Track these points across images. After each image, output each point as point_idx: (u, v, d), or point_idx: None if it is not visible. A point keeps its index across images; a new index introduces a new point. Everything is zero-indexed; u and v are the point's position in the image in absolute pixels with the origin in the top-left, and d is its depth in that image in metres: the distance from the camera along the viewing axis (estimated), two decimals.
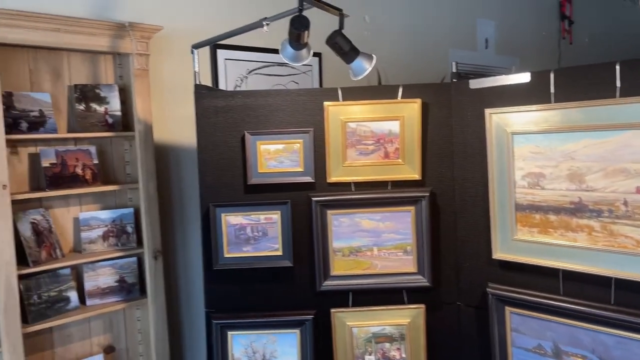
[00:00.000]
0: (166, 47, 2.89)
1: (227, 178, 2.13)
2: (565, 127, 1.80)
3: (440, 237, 2.13)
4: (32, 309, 2.37)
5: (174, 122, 2.97)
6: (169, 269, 2.93)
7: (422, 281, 2.10)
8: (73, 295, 2.54)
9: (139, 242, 2.72)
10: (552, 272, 1.86)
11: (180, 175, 3.02)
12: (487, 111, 1.97)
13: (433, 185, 2.12)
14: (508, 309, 1.94)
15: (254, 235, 2.13)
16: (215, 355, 2.13)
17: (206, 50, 3.04)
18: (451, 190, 2.12)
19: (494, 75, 2.00)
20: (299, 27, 1.85)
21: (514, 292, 1.92)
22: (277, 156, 2.10)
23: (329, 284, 2.11)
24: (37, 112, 2.45)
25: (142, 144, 2.63)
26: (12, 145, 2.41)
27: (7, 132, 2.25)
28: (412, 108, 2.09)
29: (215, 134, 2.12)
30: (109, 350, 2.72)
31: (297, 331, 2.12)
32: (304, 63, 2.12)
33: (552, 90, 1.83)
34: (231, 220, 2.11)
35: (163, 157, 2.93)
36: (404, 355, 2.13)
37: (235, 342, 2.13)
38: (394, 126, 2.10)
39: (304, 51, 2.01)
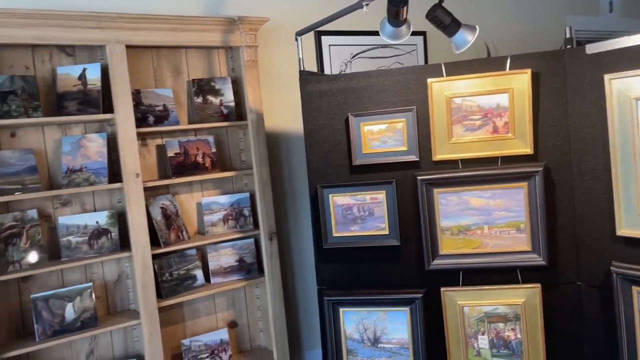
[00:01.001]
0: (273, 37, 3.01)
1: (333, 160, 2.19)
2: None
3: (557, 214, 2.02)
4: (165, 285, 2.63)
5: (283, 110, 3.10)
6: (283, 249, 3.08)
7: (538, 260, 2.01)
8: (199, 274, 2.77)
9: (255, 224, 2.89)
10: None
11: (290, 159, 3.15)
12: (607, 77, 1.82)
13: (547, 159, 2.00)
14: (635, 289, 1.79)
15: (361, 214, 2.17)
16: (329, 331, 2.21)
17: (311, 38, 3.13)
18: (568, 164, 2.00)
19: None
20: (397, 3, 1.84)
21: None
22: (380, 136, 2.12)
23: (438, 262, 2.10)
24: (161, 106, 2.69)
25: (254, 132, 2.78)
26: (141, 137, 2.68)
27: (137, 126, 2.50)
28: (522, 79, 1.99)
29: (320, 118, 2.18)
30: (232, 325, 2.93)
31: (406, 309, 2.13)
32: (404, 40, 2.10)
33: None
34: (338, 200, 2.17)
35: (274, 143, 3.07)
36: (519, 336, 2.06)
37: (346, 318, 2.20)
38: (503, 99, 2.02)
39: (403, 28, 1.99)
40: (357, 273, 2.21)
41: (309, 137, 2.20)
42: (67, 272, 2.50)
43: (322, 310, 2.23)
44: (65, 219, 2.45)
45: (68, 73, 2.45)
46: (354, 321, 2.20)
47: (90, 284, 2.48)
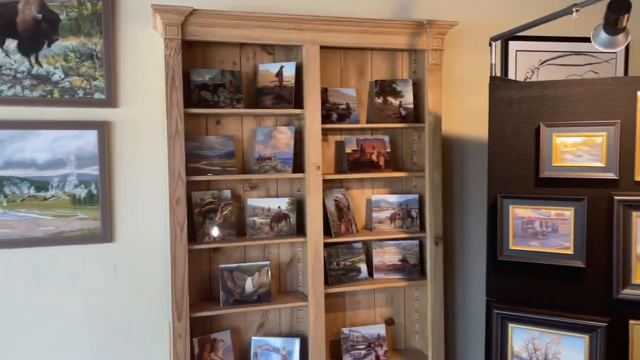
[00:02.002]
0: (458, 41, 2.99)
1: (517, 170, 2.12)
2: None
3: None
4: (332, 273, 2.77)
5: (461, 114, 3.06)
6: (447, 254, 3.05)
7: None
8: (363, 267, 2.87)
9: (422, 227, 2.91)
10: None
11: (463, 165, 3.10)
12: None
13: None
14: None
15: (543, 230, 2.07)
16: (494, 345, 2.15)
17: (497, 42, 3.04)
18: None
19: None
20: (617, 10, 1.71)
21: None
22: (574, 149, 2.00)
23: (628, 292, 1.92)
24: (344, 105, 2.83)
25: (430, 135, 2.80)
26: (324, 133, 2.84)
27: (322, 122, 2.66)
28: None
29: (507, 125, 2.12)
30: (389, 322, 2.99)
31: (585, 337, 1.99)
32: (619, 49, 1.95)
33: None
34: (519, 212, 2.10)
35: (448, 147, 3.05)
36: None
37: (515, 335, 2.12)
38: None
39: (620, 36, 1.85)
40: (531, 290, 2.12)
41: (494, 144, 2.15)
42: (249, 249, 2.77)
43: (489, 322, 2.18)
44: (253, 201, 2.71)
45: (268, 70, 2.70)
46: (524, 339, 2.11)
47: (268, 262, 2.71)
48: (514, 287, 2.15)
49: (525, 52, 3.06)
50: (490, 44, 2.16)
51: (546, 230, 2.06)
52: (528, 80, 3.06)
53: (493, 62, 2.16)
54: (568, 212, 2.01)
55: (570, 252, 2.02)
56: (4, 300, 2.47)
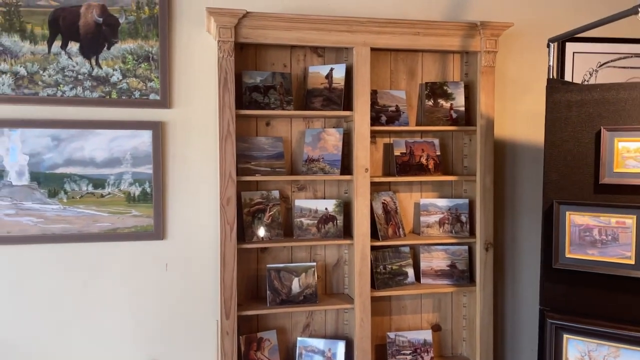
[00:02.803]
0: (512, 43, 2.92)
1: (575, 175, 2.05)
2: None
3: None
4: (378, 277, 2.75)
5: (513, 117, 2.99)
6: (497, 261, 2.98)
7: None
8: (410, 272, 2.84)
9: (471, 232, 2.85)
10: None
11: (515, 169, 3.03)
12: None
13: None
14: None
15: (602, 238, 1.99)
16: (548, 356, 2.08)
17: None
18: None
19: None
20: None
21: None
22: (638, 155, 1.91)
23: None
24: (394, 107, 2.81)
25: (482, 139, 2.74)
26: (372, 135, 2.83)
27: (371, 125, 2.65)
28: None
29: (565, 129, 2.05)
30: (436, 328, 2.94)
31: None
32: None
33: None
34: (576, 219, 2.02)
35: (499, 151, 2.98)
36: None
37: (570, 346, 2.04)
38: None
39: None
40: (588, 300, 2.04)
41: (550, 149, 2.09)
42: (296, 250, 2.78)
43: (542, 332, 2.11)
44: (300, 202, 2.72)
45: (317, 72, 2.71)
46: (579, 351, 2.03)
47: (314, 263, 2.71)
48: (570, 297, 2.07)
49: (583, 53, 2.95)
50: (548, 45, 2.10)
51: (605, 239, 1.98)
52: (586, 82, 2.95)
53: (551, 63, 2.10)
54: (630, 221, 1.93)
55: (632, 262, 1.93)
56: (61, 291, 2.57)
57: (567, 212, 2.03)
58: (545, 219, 2.10)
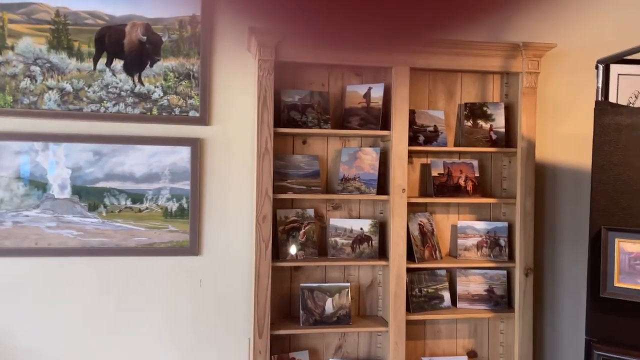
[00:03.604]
0: (554, 64, 2.86)
1: (624, 201, 1.97)
2: None
3: None
4: (413, 300, 2.69)
5: (554, 140, 2.92)
6: (535, 287, 2.89)
7: None
8: (446, 295, 2.77)
9: (510, 256, 2.77)
10: None
11: (556, 193, 2.94)
12: None
13: None
14: None
15: None
16: None
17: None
18: None
19: None
20: None
21: None
22: None
23: None
24: (432, 127, 2.77)
25: (523, 161, 2.68)
26: (409, 155, 2.78)
27: (408, 144, 2.62)
28: None
29: (615, 153, 1.99)
30: (472, 354, 2.85)
31: None
32: None
33: None
34: (627, 247, 1.94)
35: (540, 173, 2.90)
36: None
37: None
38: None
39: None
40: (637, 331, 1.94)
41: (598, 173, 2.02)
42: (330, 269, 2.75)
43: None
44: (335, 221, 2.70)
45: (355, 91, 2.70)
46: None
47: (348, 284, 2.67)
48: (619, 328, 1.98)
49: (629, 76, 2.87)
50: (597, 67, 2.05)
51: None
52: (631, 105, 2.87)
53: (599, 85, 2.05)
54: None
55: None
56: (98, 304, 2.59)
57: (616, 239, 1.96)
58: (593, 246, 2.03)
